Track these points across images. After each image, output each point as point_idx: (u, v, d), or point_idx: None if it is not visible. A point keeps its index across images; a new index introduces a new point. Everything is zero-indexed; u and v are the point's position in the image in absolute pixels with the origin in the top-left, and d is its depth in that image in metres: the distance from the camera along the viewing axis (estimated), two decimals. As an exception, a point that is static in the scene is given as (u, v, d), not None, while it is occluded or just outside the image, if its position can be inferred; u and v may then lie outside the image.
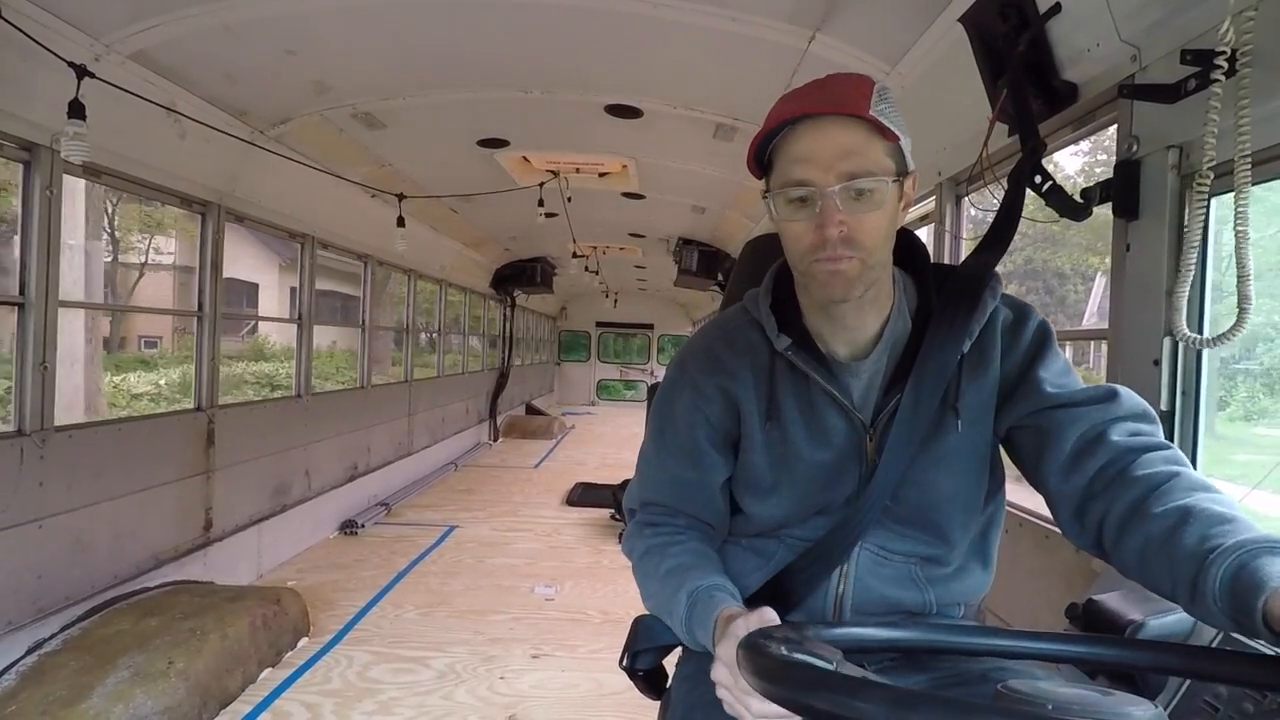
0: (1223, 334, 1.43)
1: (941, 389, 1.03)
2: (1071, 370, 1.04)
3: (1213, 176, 1.41)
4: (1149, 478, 0.87)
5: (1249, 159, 1.32)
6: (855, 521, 1.05)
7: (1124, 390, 0.99)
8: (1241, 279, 1.37)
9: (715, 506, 1.17)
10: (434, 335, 8.54)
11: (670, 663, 1.22)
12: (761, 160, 1.04)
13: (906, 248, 1.12)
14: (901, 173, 1.00)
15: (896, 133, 0.97)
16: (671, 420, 1.17)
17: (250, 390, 11.36)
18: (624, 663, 1.21)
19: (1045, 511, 1.07)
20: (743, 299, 1.19)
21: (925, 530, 1.07)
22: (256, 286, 18.37)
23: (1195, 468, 0.95)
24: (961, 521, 1.08)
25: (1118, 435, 0.94)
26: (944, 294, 1.07)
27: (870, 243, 0.98)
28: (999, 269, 1.13)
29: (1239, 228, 1.35)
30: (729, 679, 0.84)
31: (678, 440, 1.15)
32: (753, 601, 1.09)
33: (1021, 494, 1.16)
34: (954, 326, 1.03)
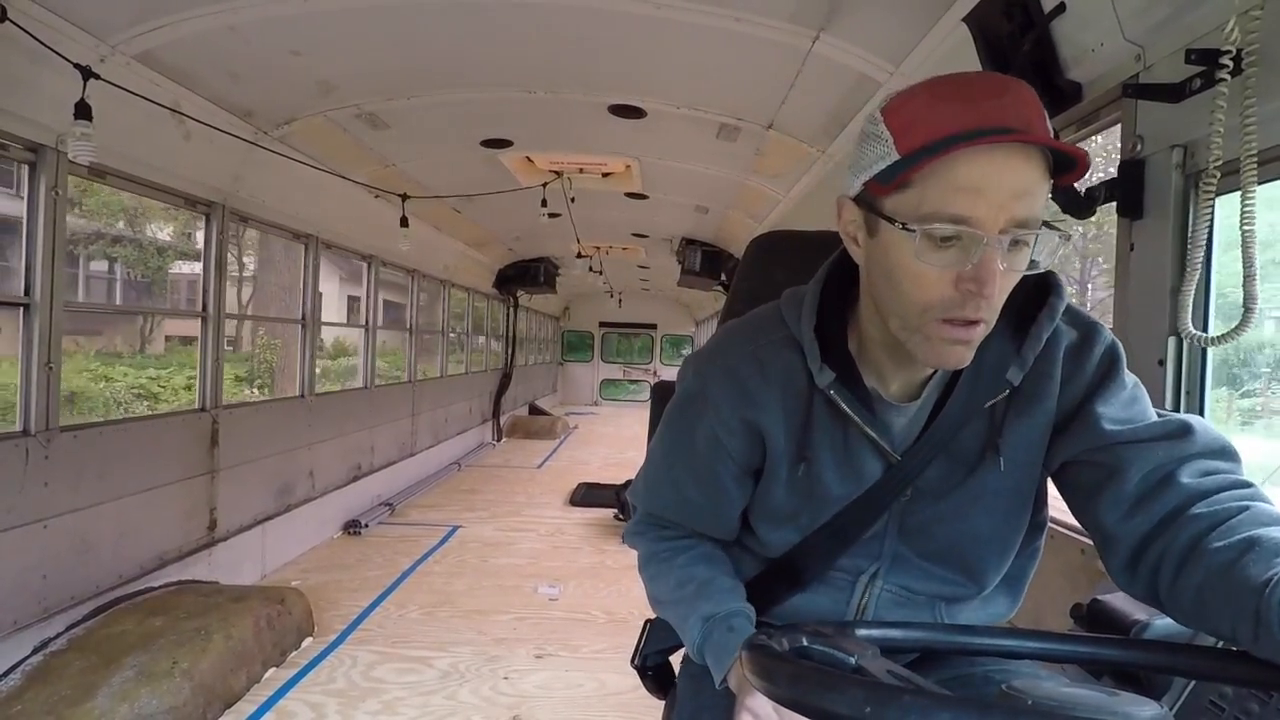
0: (1227, 332, 1.42)
1: (983, 425, 0.94)
2: (1140, 398, 0.90)
3: (1219, 175, 1.40)
4: (1213, 514, 0.76)
5: (1255, 158, 1.31)
6: (868, 510, 0.98)
7: (1199, 423, 0.85)
8: (1248, 278, 1.34)
9: (727, 528, 1.10)
10: (461, 336, 8.56)
11: (675, 660, 1.22)
12: (894, 174, 0.80)
13: None
14: None
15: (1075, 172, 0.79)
16: (690, 440, 1.04)
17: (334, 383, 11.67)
18: (635, 662, 1.22)
19: (1050, 510, 1.05)
20: (782, 300, 1.03)
21: (953, 569, 1.00)
22: (320, 295, 18.67)
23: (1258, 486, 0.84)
24: (995, 562, 1.00)
25: (1188, 476, 0.81)
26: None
27: (1000, 307, 0.82)
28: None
29: (1245, 227, 1.34)
30: None
31: (695, 465, 1.04)
32: (754, 591, 1.07)
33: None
34: (1003, 354, 0.90)
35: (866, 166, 0.83)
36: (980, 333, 0.82)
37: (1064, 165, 0.78)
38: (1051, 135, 0.77)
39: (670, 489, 1.09)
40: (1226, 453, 0.84)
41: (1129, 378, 0.91)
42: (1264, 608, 0.63)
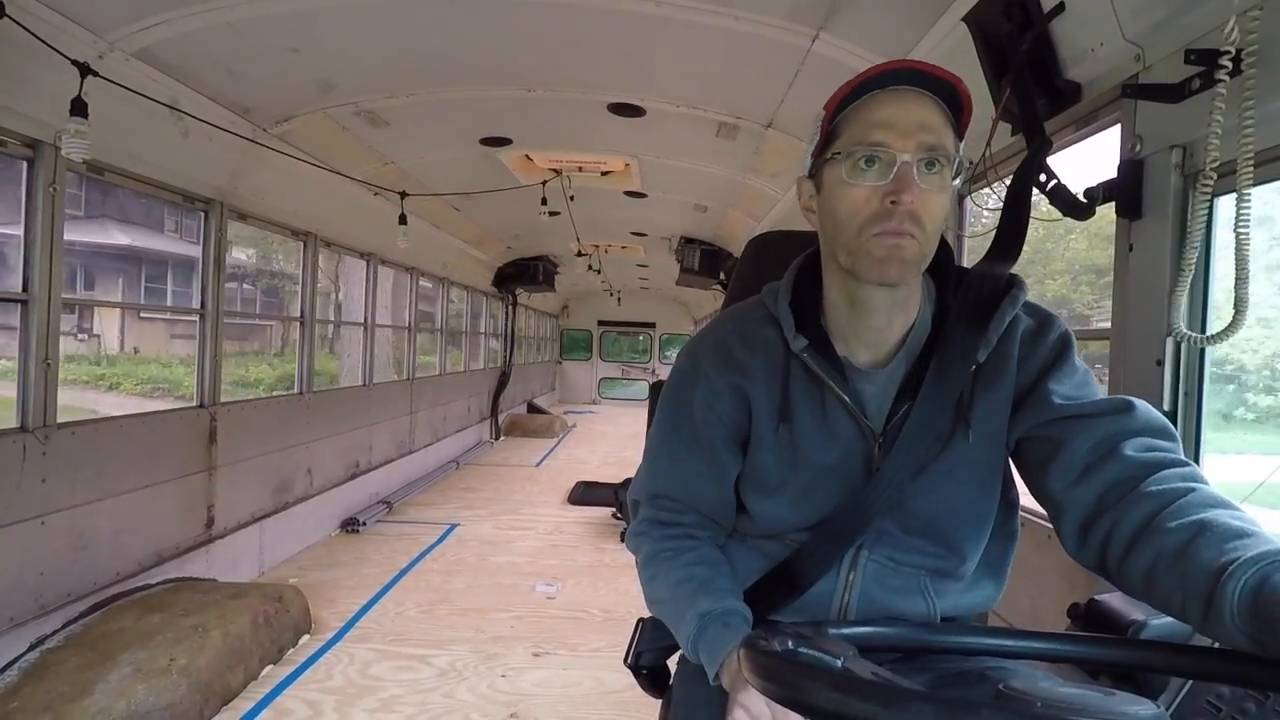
0: (1218, 333, 1.44)
1: (954, 399, 1.00)
2: (1091, 382, 1.00)
3: (1216, 176, 1.40)
4: (1162, 494, 0.83)
5: (1251, 160, 1.32)
6: (858, 513, 1.02)
7: (1140, 403, 0.94)
8: (1239, 280, 1.37)
9: (725, 502, 1.14)
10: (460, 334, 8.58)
11: (672, 660, 1.22)
12: (827, 136, 1.00)
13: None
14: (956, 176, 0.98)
15: (963, 128, 0.97)
16: (686, 413, 1.14)
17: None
18: (629, 661, 1.22)
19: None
20: (762, 291, 1.16)
21: (935, 541, 1.05)
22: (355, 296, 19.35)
23: (1198, 466, 0.91)
24: (972, 534, 1.05)
25: (1132, 450, 0.89)
26: (961, 300, 1.03)
27: (932, 226, 0.95)
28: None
29: (1239, 229, 1.34)
30: None
31: (692, 433, 1.13)
32: (752, 596, 1.09)
33: (1023, 493, 1.14)
34: (970, 335, 1.00)
35: (811, 144, 1.03)
36: (912, 248, 0.94)
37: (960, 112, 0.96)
38: (957, 107, 0.96)
39: (668, 462, 1.16)
40: (1167, 432, 0.93)
41: (1081, 365, 1.01)
42: (1218, 595, 0.68)
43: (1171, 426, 0.94)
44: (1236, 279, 1.37)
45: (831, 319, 1.07)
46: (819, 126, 1.00)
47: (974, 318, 1.01)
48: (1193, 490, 0.82)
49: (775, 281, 1.14)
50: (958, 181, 0.98)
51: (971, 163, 0.99)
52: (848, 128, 0.97)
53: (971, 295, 1.03)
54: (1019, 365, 1.01)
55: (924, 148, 0.93)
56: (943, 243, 1.10)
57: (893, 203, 0.92)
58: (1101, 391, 0.98)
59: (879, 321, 1.03)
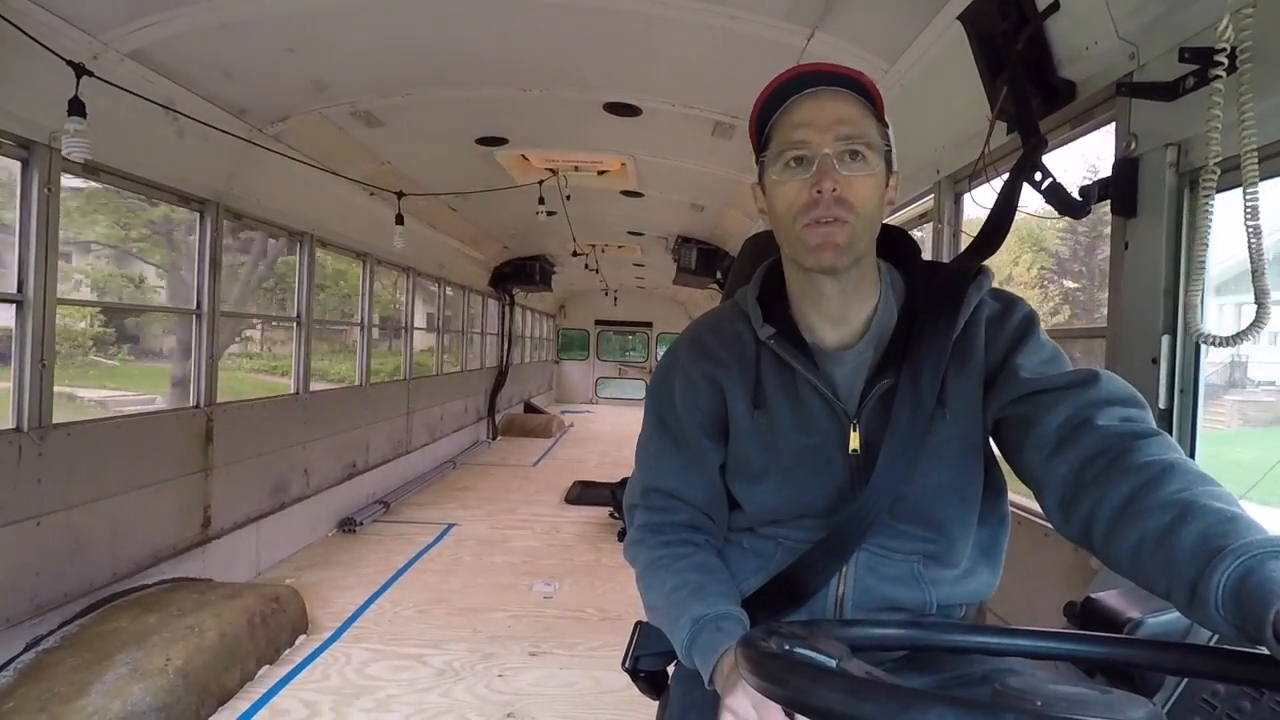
0: (1244, 330, 1.35)
1: (933, 382, 1.02)
2: (1059, 359, 1.02)
3: (1219, 172, 1.39)
4: (1143, 468, 0.83)
5: (1255, 154, 1.31)
6: (859, 517, 1.03)
7: (1106, 374, 0.96)
8: (1257, 273, 1.31)
9: (715, 494, 1.17)
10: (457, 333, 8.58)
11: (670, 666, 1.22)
12: (761, 142, 1.07)
13: (897, 245, 1.14)
14: (889, 163, 1.04)
15: (886, 118, 1.04)
16: (669, 407, 1.18)
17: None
18: (626, 665, 1.22)
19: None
20: (736, 293, 1.21)
21: (923, 525, 1.06)
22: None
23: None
24: (959, 516, 1.06)
25: (1105, 420, 0.90)
26: (931, 288, 1.07)
27: (862, 208, 1.00)
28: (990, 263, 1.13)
29: (1250, 222, 1.32)
30: None
31: (676, 426, 1.17)
32: (752, 603, 1.09)
33: (1019, 491, 1.14)
34: (940, 319, 1.03)
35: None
36: (844, 232, 1.00)
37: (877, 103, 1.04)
38: (870, 97, 1.03)
39: (659, 457, 1.20)
40: (1135, 400, 0.94)
41: (1049, 343, 1.05)
42: (1202, 585, 0.68)
43: (1140, 395, 0.95)
44: (1254, 272, 1.31)
45: (796, 308, 1.12)
46: (750, 137, 1.08)
47: (942, 304, 1.05)
48: (1172, 465, 0.82)
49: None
50: (884, 167, 1.03)
51: (890, 147, 1.05)
52: (776, 132, 1.05)
53: (941, 284, 1.07)
54: (987, 346, 1.05)
55: (842, 138, 0.99)
56: (908, 238, 1.16)
57: (818, 192, 0.99)
58: (1070, 367, 1.01)
59: (835, 307, 1.09)
